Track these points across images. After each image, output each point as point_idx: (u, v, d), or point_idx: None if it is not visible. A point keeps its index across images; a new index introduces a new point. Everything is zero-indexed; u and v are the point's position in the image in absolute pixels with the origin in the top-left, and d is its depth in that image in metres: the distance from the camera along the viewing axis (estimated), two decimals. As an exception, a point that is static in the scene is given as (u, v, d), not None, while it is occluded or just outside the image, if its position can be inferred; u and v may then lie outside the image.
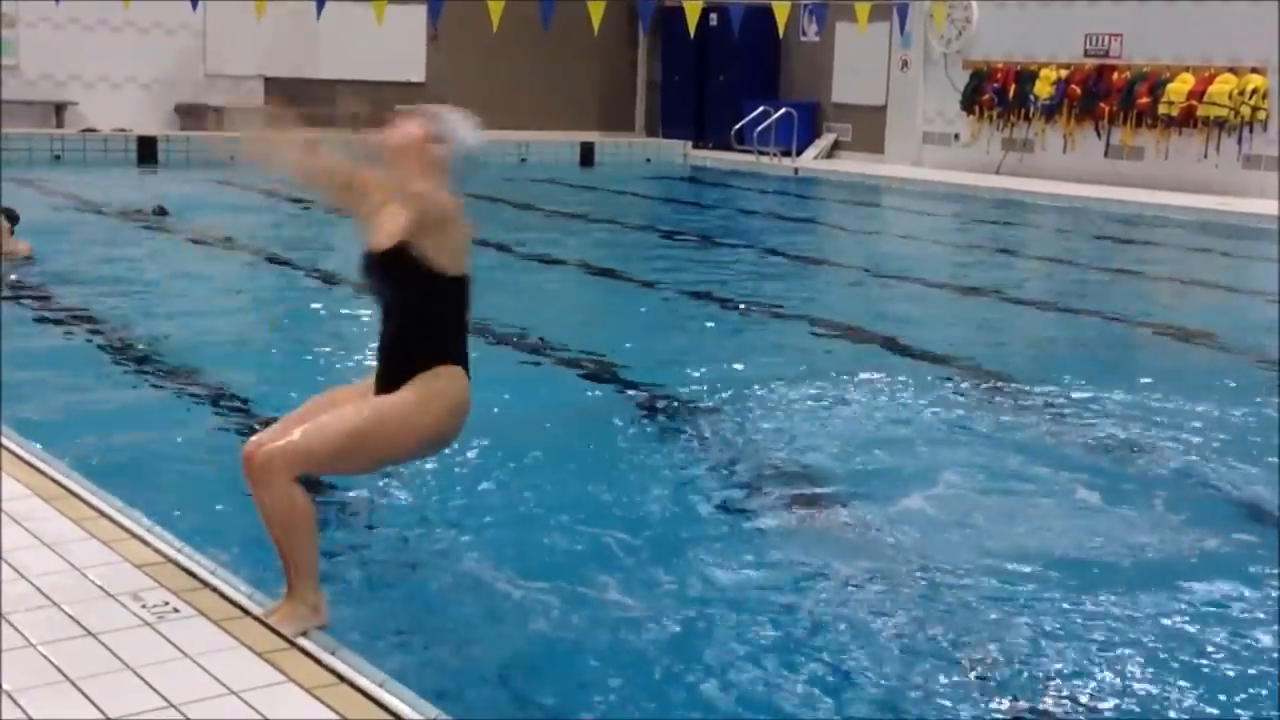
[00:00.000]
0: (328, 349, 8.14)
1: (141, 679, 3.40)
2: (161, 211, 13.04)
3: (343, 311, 9.47)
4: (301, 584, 3.82)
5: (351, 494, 5.42)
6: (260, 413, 6.48)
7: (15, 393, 6.40)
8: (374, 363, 4.10)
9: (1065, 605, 4.57)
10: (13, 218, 10.13)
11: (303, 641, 3.66)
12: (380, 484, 5.51)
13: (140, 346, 7.81)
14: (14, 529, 4.35)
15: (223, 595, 3.93)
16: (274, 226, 13.64)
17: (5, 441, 5.24)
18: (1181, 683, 4.08)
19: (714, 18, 21.53)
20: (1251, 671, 4.18)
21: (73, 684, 3.36)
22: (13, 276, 9.52)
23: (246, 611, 3.82)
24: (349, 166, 4.16)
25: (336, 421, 3.86)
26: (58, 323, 8.38)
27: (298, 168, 4.19)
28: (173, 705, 3.28)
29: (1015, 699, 3.98)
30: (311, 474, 4.03)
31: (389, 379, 3.98)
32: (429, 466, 5.75)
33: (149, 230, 12.49)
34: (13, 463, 5.02)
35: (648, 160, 22.33)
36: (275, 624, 3.76)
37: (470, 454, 5.96)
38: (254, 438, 3.94)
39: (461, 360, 4.06)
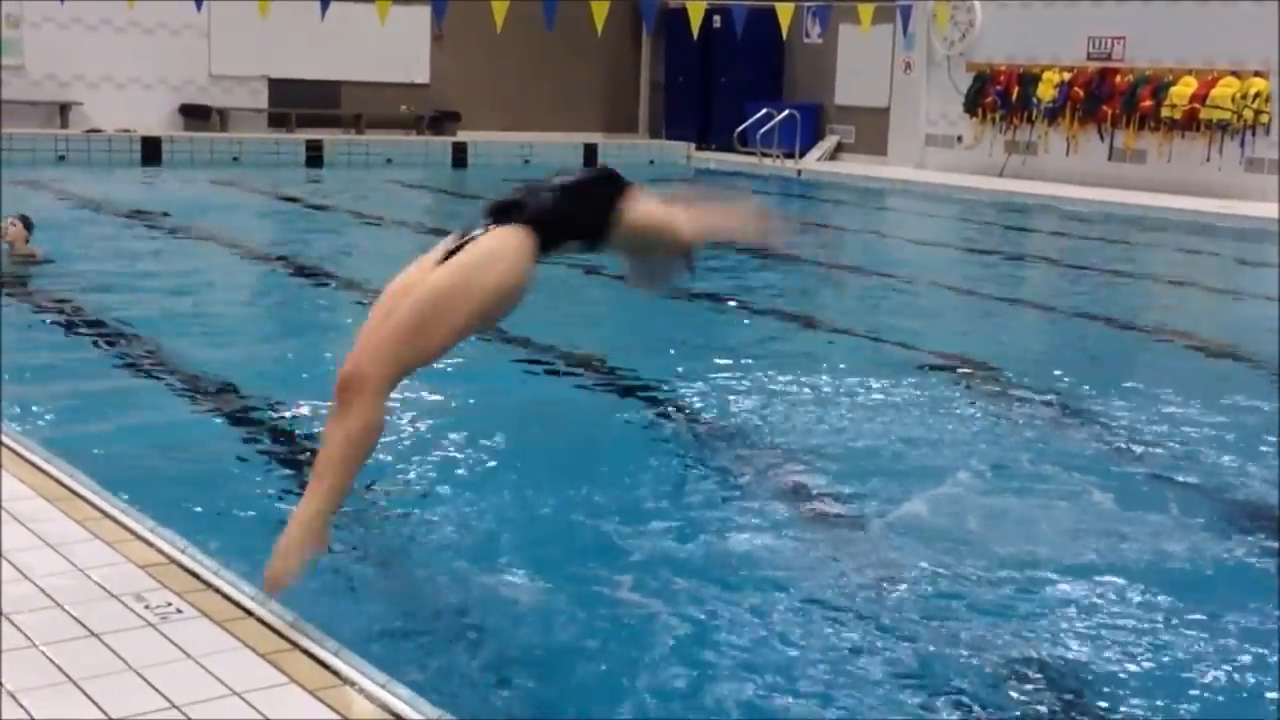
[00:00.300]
0: (333, 349, 8.15)
1: (144, 680, 3.41)
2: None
3: (349, 312, 9.48)
4: (328, 509, 3.89)
5: (355, 499, 5.43)
6: (264, 413, 6.50)
7: (18, 393, 6.41)
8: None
9: (1070, 608, 4.58)
10: (30, 225, 10.15)
11: (306, 642, 3.67)
12: (379, 486, 5.52)
13: (144, 346, 7.82)
14: (17, 529, 4.37)
15: (225, 596, 3.94)
16: (278, 227, 13.66)
17: (8, 442, 5.25)
18: (1184, 687, 4.09)
19: (717, 19, 21.56)
20: (1257, 677, 4.18)
21: (75, 684, 3.37)
22: (27, 272, 9.54)
23: (249, 612, 3.83)
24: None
25: (400, 307, 3.90)
26: (60, 322, 8.40)
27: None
28: (175, 706, 3.29)
29: (1017, 702, 3.99)
30: (405, 370, 4.04)
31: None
32: (428, 465, 5.77)
33: (153, 230, 12.50)
34: (16, 463, 5.03)
35: (651, 162, 22.34)
36: (281, 554, 3.82)
37: (471, 453, 5.98)
38: (347, 361, 3.96)
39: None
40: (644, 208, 4.29)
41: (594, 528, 5.16)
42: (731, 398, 7.12)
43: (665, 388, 7.31)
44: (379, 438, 3.96)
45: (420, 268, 4.05)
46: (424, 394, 6.77)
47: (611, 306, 10.22)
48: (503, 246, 4.02)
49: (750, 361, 8.00)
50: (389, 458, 5.84)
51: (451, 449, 6.07)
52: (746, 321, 9.57)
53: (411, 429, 6.21)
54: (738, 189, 4.03)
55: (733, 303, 10.15)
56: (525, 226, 4.10)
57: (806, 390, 7.31)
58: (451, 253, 4.02)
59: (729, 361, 7.99)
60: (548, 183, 4.29)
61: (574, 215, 4.23)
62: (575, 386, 7.43)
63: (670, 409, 6.93)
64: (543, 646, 4.18)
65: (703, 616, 4.42)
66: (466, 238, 4.07)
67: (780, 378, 7.58)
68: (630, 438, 6.44)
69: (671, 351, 8.37)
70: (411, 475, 5.68)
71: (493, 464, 5.89)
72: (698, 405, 6.98)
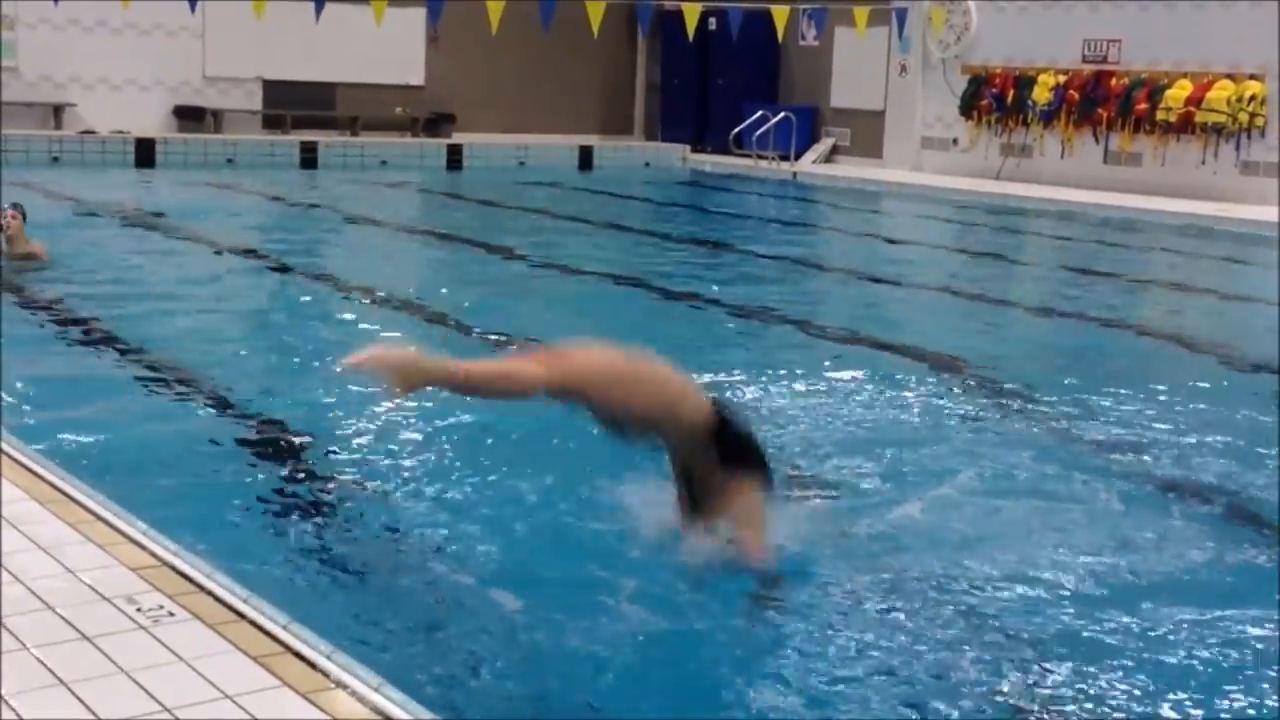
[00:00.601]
0: (328, 352, 8.13)
1: (136, 683, 3.39)
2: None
3: (343, 314, 9.48)
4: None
5: (348, 503, 5.42)
6: (258, 415, 6.48)
7: (10, 396, 6.40)
8: None
9: (1071, 613, 4.57)
10: (24, 214, 10.08)
11: (298, 645, 3.65)
12: (373, 489, 5.51)
13: (137, 349, 7.80)
14: (9, 532, 4.35)
15: (218, 599, 3.92)
16: (273, 230, 13.65)
17: (1, 444, 5.24)
18: (1184, 689, 4.09)
19: (713, 21, 21.56)
20: (1259, 683, 4.18)
21: (67, 687, 3.35)
22: (25, 278, 9.52)
23: (241, 615, 3.82)
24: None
25: (617, 364, 4.37)
26: (54, 325, 8.38)
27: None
28: (167, 709, 3.27)
29: (1020, 707, 3.98)
30: (572, 390, 4.28)
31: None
32: (423, 469, 5.76)
33: (148, 233, 12.48)
34: (9, 466, 5.01)
35: (647, 164, 22.36)
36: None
37: (471, 459, 5.96)
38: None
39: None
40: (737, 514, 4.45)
41: (588, 531, 5.14)
42: (725, 397, 7.10)
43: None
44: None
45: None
46: (422, 401, 6.76)
47: (610, 310, 10.21)
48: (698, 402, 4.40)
49: (745, 365, 7.99)
50: (385, 460, 5.84)
51: (447, 453, 6.05)
52: (742, 325, 9.55)
53: (408, 433, 6.19)
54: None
55: (728, 306, 10.14)
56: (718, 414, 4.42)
57: (802, 394, 7.30)
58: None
59: (723, 364, 7.97)
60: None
61: (741, 451, 4.52)
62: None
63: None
64: (537, 649, 4.16)
65: (701, 623, 4.40)
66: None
67: (775, 381, 7.57)
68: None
69: (670, 355, 8.34)
70: (407, 479, 5.67)
71: (488, 468, 5.88)
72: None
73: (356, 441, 6.07)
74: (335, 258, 11.86)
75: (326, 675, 3.50)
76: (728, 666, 4.11)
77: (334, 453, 5.93)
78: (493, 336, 8.51)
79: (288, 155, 19.68)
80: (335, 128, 22.13)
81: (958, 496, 5.69)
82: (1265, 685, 4.11)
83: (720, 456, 4.46)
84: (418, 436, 6.17)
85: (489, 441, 6.19)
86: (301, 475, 5.62)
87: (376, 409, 6.50)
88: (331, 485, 5.56)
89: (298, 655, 3.60)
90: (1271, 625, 4.49)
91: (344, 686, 3.45)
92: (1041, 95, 19.81)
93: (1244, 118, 17.72)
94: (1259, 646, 4.36)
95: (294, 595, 3.99)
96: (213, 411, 6.61)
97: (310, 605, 4.05)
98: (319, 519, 5.16)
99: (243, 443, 6.06)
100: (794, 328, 9.44)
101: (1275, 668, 4.20)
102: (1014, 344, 9.47)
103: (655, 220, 16.50)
